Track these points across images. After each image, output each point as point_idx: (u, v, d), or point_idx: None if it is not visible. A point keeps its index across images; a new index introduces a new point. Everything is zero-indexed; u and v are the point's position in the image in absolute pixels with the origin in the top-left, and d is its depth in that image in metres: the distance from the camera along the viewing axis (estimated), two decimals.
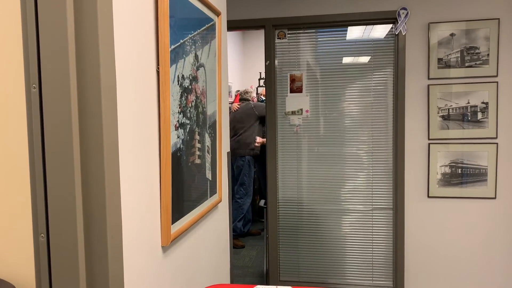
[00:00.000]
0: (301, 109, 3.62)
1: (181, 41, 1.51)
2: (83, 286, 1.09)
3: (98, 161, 1.07)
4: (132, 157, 1.24)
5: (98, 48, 1.05)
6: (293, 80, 3.61)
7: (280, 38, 3.63)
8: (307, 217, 3.66)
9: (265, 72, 3.63)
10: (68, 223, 1.07)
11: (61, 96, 1.05)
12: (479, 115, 3.26)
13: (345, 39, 3.50)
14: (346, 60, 3.51)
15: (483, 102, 3.25)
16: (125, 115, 1.20)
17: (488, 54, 3.21)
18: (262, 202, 4.05)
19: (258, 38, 7.06)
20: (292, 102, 3.63)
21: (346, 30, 3.49)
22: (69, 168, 1.06)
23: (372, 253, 3.57)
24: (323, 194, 3.62)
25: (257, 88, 6.69)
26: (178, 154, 1.50)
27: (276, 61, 3.61)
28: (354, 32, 3.48)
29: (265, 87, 3.65)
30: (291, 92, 3.62)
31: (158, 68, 1.38)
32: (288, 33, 3.61)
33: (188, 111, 1.58)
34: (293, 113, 3.63)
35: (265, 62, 3.61)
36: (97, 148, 1.07)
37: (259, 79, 6.80)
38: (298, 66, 3.59)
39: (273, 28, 3.60)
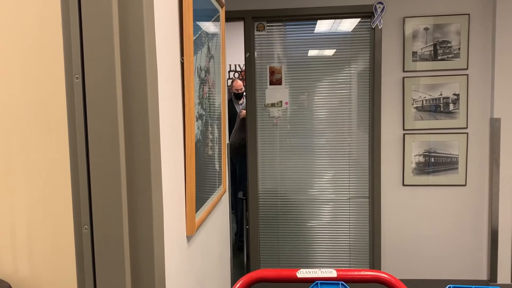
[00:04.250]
0: (281, 101, 3.67)
1: (199, 32, 1.51)
2: (128, 281, 1.09)
3: (143, 153, 1.07)
4: (167, 148, 1.24)
5: (143, 37, 1.05)
6: (272, 72, 3.65)
7: (259, 30, 3.65)
8: (287, 207, 3.73)
9: (245, 65, 3.65)
10: (113, 214, 1.06)
11: (106, 86, 1.04)
12: (451, 106, 3.44)
13: (324, 32, 3.58)
14: (325, 52, 3.59)
15: (454, 94, 3.42)
16: (162, 107, 1.20)
17: (459, 48, 3.39)
18: (240, 194, 4.08)
19: (227, 30, 7.02)
20: (272, 94, 3.67)
21: (325, 23, 3.57)
22: (114, 159, 1.05)
23: (350, 240, 3.70)
24: (302, 184, 3.70)
25: (227, 80, 6.67)
26: (198, 145, 1.51)
27: (255, 53, 3.64)
28: (333, 25, 3.56)
29: (245, 79, 3.67)
30: (270, 84, 3.66)
31: (182, 59, 1.38)
32: (268, 26, 3.64)
33: (204, 102, 1.59)
34: (272, 105, 3.68)
35: (245, 54, 3.63)
36: (142, 140, 1.07)
37: (229, 71, 6.79)
38: (278, 59, 3.64)
39: (253, 20, 3.62)
